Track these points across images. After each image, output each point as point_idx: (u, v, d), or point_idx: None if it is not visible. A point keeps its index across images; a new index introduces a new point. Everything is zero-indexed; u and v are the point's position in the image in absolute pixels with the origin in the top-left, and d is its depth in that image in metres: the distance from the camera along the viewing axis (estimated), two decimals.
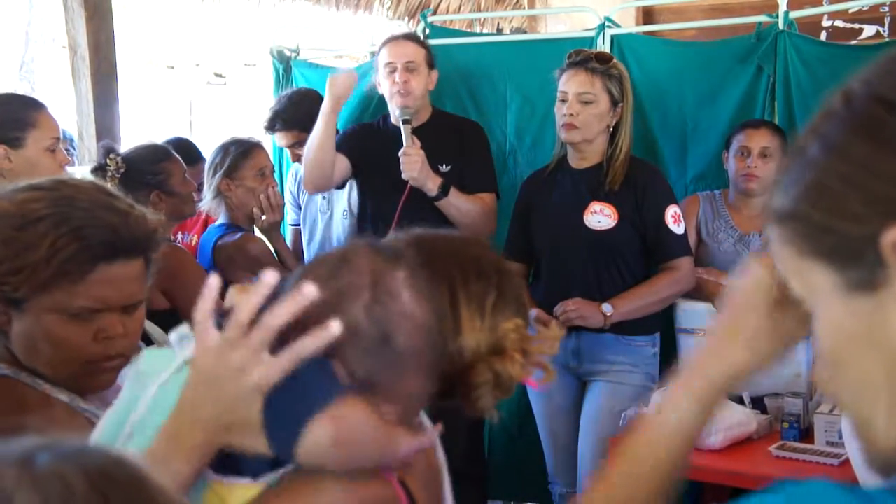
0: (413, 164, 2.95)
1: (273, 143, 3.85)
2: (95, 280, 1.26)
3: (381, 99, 3.71)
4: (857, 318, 0.59)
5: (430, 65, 3.16)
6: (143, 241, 1.33)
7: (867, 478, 1.92)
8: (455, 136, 3.15)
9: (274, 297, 0.98)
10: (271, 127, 3.41)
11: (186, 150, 3.33)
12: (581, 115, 2.80)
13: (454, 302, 1.05)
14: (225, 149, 3.02)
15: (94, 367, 1.30)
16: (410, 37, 3.24)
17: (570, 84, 2.82)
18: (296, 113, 3.35)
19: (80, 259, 1.25)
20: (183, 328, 1.01)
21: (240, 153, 3.00)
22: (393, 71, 3.08)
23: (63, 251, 1.24)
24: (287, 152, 3.61)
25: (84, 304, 1.26)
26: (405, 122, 3.01)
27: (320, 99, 3.41)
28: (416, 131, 3.05)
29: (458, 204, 3.03)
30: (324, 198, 3.50)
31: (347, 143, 3.18)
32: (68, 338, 1.27)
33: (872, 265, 0.57)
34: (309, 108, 3.35)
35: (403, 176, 2.97)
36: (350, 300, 0.96)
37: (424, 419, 1.15)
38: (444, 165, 3.08)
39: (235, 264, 2.91)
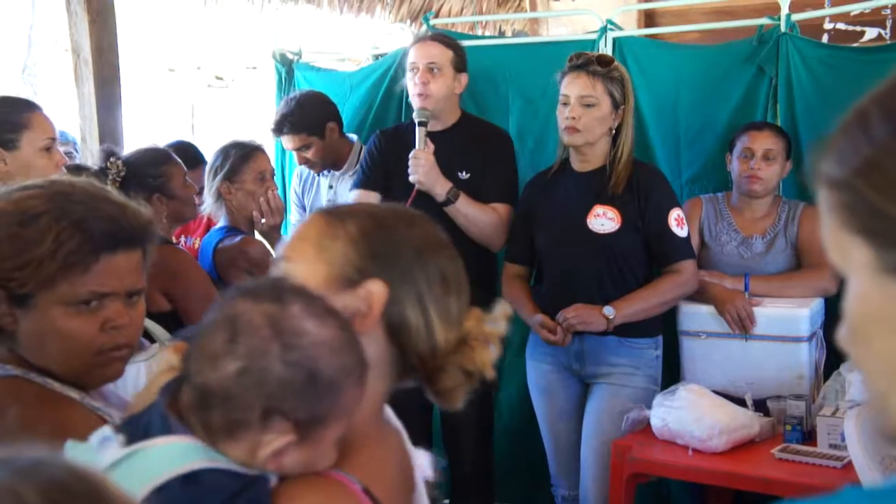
0: (418, 167, 2.94)
1: (276, 144, 3.87)
2: (99, 271, 1.30)
3: (381, 102, 3.73)
4: (887, 300, 0.60)
5: (458, 67, 3.10)
6: (141, 232, 1.37)
7: (869, 479, 1.92)
8: (479, 144, 3.10)
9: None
10: (279, 130, 3.40)
11: (187, 153, 3.33)
12: (583, 119, 2.80)
13: (424, 309, 1.08)
14: (225, 152, 3.02)
15: (104, 357, 1.33)
16: (438, 38, 3.18)
17: (572, 87, 2.82)
18: (303, 116, 3.34)
19: (84, 250, 1.28)
20: (104, 429, 1.00)
21: (240, 157, 3.00)
22: (416, 72, 3.06)
23: (67, 243, 1.27)
24: (293, 154, 3.62)
25: (91, 291, 1.30)
26: (420, 124, 3.00)
27: (328, 101, 3.42)
28: (441, 135, 3.05)
29: (467, 212, 2.99)
30: (328, 200, 3.51)
31: (373, 176, 3.14)
32: (76, 330, 1.30)
33: None
34: (316, 110, 3.36)
35: (410, 179, 2.96)
36: (263, 359, 0.96)
37: (391, 417, 1.15)
38: (464, 172, 3.04)
39: (236, 267, 2.91)
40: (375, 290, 1.06)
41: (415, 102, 3.06)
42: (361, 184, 3.16)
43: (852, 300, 0.64)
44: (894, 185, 0.58)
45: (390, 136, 3.23)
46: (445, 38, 3.20)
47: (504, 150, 3.14)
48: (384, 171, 3.14)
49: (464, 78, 3.13)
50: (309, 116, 3.33)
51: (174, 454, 0.95)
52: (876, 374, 0.62)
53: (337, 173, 3.47)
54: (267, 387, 0.95)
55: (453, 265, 1.14)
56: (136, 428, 0.99)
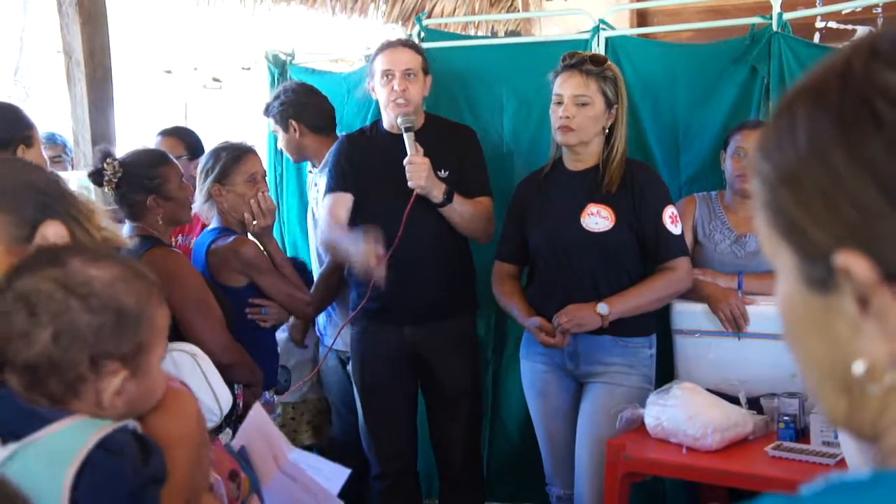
0: (420, 172, 2.94)
1: (269, 145, 3.92)
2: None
3: (378, 104, 3.72)
4: (809, 308, 0.61)
5: (426, 70, 3.14)
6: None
7: None
8: (450, 142, 3.12)
9: None
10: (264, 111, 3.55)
11: (191, 139, 3.47)
12: (577, 118, 2.80)
13: (82, 226, 1.20)
14: (216, 154, 3.02)
15: None
16: (407, 43, 3.21)
17: (565, 86, 2.82)
18: (273, 105, 3.45)
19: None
20: None
21: (231, 159, 3.00)
22: (391, 79, 3.06)
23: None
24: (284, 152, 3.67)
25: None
26: (407, 129, 2.99)
27: (302, 101, 3.45)
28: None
29: (462, 210, 3.02)
30: (314, 198, 3.54)
31: (344, 179, 3.13)
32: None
33: (828, 272, 0.57)
34: (284, 105, 3.43)
35: (410, 185, 2.95)
36: (68, 317, 1.04)
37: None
38: (443, 171, 3.05)
39: (229, 267, 2.91)
40: (53, 230, 1.15)
41: (392, 109, 3.05)
42: (334, 187, 3.15)
43: (781, 299, 0.64)
44: (809, 202, 0.57)
45: (356, 139, 3.22)
46: (412, 43, 3.24)
47: (475, 145, 3.19)
48: (354, 173, 3.13)
49: (429, 80, 3.17)
50: (276, 107, 3.43)
51: (72, 434, 1.02)
52: (807, 370, 0.63)
53: (316, 169, 3.52)
54: (84, 339, 1.03)
55: (56, 177, 1.25)
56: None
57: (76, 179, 3.20)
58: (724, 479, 2.58)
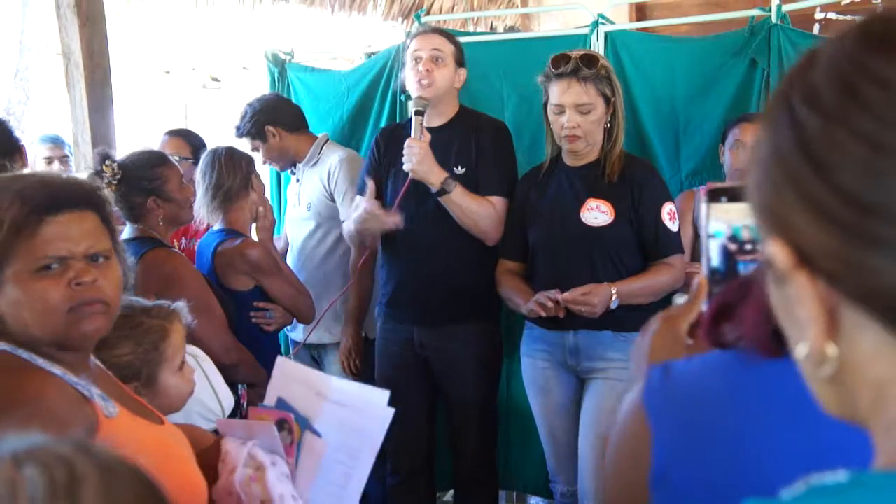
0: (413, 155, 2.90)
1: None
2: (48, 234, 1.39)
3: (379, 102, 3.72)
4: (778, 301, 0.63)
5: (459, 62, 3.09)
6: (84, 195, 1.47)
7: None
8: (474, 137, 3.06)
9: None
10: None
11: (197, 142, 3.56)
12: (583, 125, 2.78)
13: None
14: (238, 153, 3.05)
15: (78, 313, 1.41)
16: (440, 30, 3.18)
17: (566, 97, 2.78)
18: (244, 122, 3.48)
19: (26, 216, 1.38)
20: None
21: (251, 160, 3.08)
22: (418, 62, 3.03)
23: (8, 212, 1.37)
24: None
25: (46, 254, 1.39)
26: (417, 112, 2.97)
27: (272, 106, 3.48)
28: (441, 129, 3.03)
29: (461, 203, 2.95)
30: (295, 194, 3.58)
31: (371, 171, 3.16)
32: (45, 291, 1.39)
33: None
34: (255, 116, 3.45)
35: (404, 167, 2.93)
36: None
37: None
38: (460, 167, 3.01)
39: (236, 269, 2.92)
40: None
41: (415, 91, 3.02)
42: (363, 183, 3.17)
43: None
44: (762, 189, 0.61)
45: (389, 134, 3.22)
46: (447, 32, 3.20)
47: (497, 142, 3.09)
48: (384, 171, 3.14)
49: (462, 73, 3.11)
50: (248, 122, 3.45)
51: None
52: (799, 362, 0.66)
53: (300, 165, 3.54)
54: None
55: None
56: None
57: None
58: None
